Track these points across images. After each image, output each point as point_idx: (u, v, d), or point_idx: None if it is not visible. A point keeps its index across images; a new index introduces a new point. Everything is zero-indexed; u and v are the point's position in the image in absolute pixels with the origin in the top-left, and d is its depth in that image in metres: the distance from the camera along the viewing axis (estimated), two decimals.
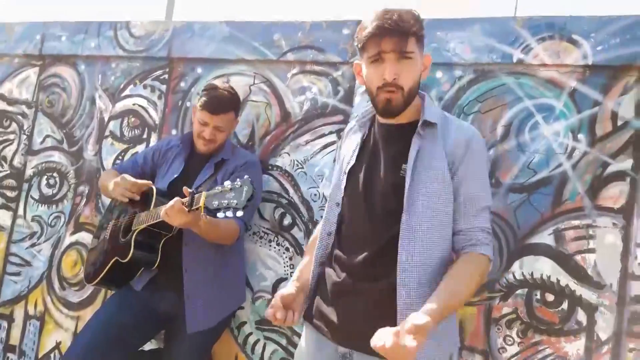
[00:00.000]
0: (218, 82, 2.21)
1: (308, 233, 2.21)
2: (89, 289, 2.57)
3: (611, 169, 1.84)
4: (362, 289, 1.43)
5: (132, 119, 2.66)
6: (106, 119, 2.71)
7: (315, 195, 2.22)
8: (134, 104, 2.66)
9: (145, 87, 2.65)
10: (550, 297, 1.86)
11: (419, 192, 1.40)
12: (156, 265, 2.01)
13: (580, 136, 1.89)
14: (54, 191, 2.76)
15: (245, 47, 2.42)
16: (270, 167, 2.33)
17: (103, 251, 2.15)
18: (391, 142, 1.49)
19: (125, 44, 2.69)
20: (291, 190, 2.27)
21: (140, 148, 2.59)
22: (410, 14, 1.41)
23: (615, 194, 1.83)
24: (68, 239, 2.67)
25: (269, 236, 2.28)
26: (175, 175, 2.13)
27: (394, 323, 1.30)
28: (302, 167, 2.27)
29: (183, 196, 1.78)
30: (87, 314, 2.54)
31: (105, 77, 2.74)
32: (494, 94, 2.01)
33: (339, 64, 2.26)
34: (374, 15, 1.40)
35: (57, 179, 2.76)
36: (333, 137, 2.24)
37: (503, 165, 1.97)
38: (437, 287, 1.33)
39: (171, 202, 1.77)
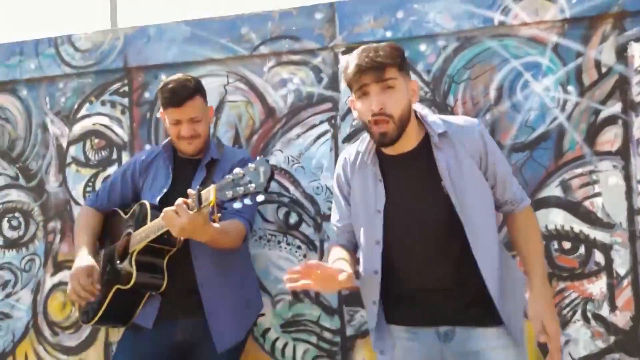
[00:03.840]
0: (170, 77, 1.94)
1: (317, 227, 2.16)
2: (85, 329, 2.38)
3: (603, 114, 1.94)
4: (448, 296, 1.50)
5: (96, 141, 2.44)
6: (65, 145, 2.47)
7: (317, 188, 2.17)
8: (94, 124, 2.44)
9: (103, 103, 2.43)
10: (567, 245, 1.95)
11: (466, 202, 1.47)
12: (163, 287, 1.81)
13: (570, 88, 1.97)
14: (20, 233, 2.49)
15: (211, 45, 2.27)
16: None
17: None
18: (412, 168, 1.53)
19: (71, 60, 2.43)
20: (291, 188, 2.20)
21: (111, 170, 2.39)
22: (388, 46, 1.48)
23: (610, 138, 1.93)
24: (49, 281, 2.44)
25: (277, 238, 2.20)
26: (165, 190, 1.91)
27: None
28: (299, 162, 2.19)
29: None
30: (89, 356, 2.37)
31: (54, 99, 2.47)
32: (480, 59, 2.04)
33: (317, 50, 2.18)
34: (354, 55, 1.48)
35: (21, 219, 2.49)
36: (325, 127, 2.18)
37: (501, 127, 2.02)
38: (527, 255, 1.56)
39: (173, 206, 1.57)
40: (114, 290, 1.83)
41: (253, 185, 1.42)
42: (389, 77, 1.44)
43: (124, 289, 1.79)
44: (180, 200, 1.58)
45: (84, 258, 1.87)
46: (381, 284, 1.52)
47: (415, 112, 1.54)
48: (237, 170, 1.47)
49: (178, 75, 1.93)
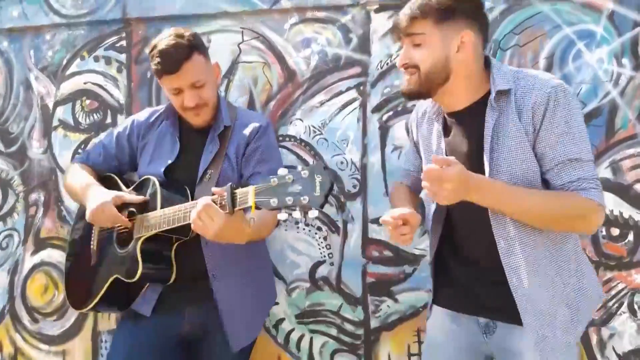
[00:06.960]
0: (158, 37, 1.63)
1: (341, 207, 1.94)
2: (71, 316, 2.11)
3: None
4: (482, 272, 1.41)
5: (87, 102, 2.15)
6: (51, 106, 2.17)
7: (342, 163, 1.94)
8: (85, 83, 2.15)
9: (97, 59, 2.14)
10: (615, 231, 1.80)
11: (500, 175, 1.31)
12: (172, 280, 1.59)
13: (625, 61, 1.80)
14: None
15: None
16: (281, 138, 1.99)
17: (91, 268, 1.69)
18: (466, 127, 1.39)
19: (61, 7, 2.13)
20: (312, 162, 1.97)
21: None
22: None
23: None
24: (30, 261, 2.16)
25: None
26: (170, 161, 1.67)
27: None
28: (321, 133, 1.97)
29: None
30: (75, 346, 2.11)
31: (40, 52, 2.17)
32: (530, 24, 1.85)
33: (347, 6, 1.95)
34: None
35: None
36: (353, 94, 1.95)
37: None
38: None
39: (201, 202, 1.34)
40: (111, 280, 1.59)
41: (306, 198, 1.17)
42: (417, 31, 1.34)
43: (125, 281, 1.55)
44: (208, 199, 1.35)
45: (99, 193, 1.60)
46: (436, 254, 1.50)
47: (489, 58, 1.40)
48: (282, 171, 1.23)
49: (168, 32, 1.61)
